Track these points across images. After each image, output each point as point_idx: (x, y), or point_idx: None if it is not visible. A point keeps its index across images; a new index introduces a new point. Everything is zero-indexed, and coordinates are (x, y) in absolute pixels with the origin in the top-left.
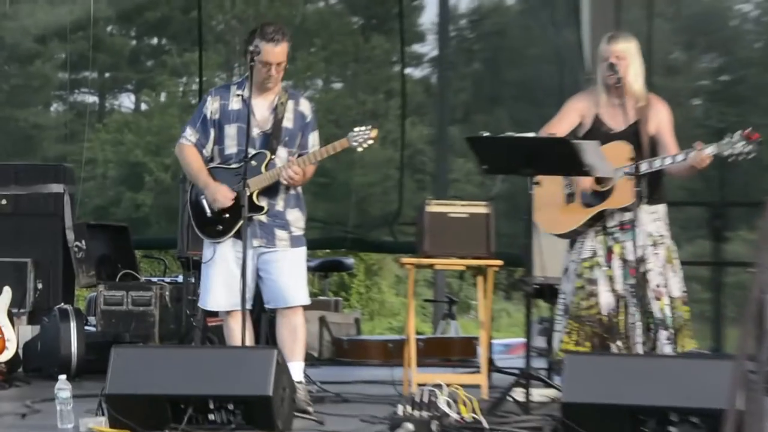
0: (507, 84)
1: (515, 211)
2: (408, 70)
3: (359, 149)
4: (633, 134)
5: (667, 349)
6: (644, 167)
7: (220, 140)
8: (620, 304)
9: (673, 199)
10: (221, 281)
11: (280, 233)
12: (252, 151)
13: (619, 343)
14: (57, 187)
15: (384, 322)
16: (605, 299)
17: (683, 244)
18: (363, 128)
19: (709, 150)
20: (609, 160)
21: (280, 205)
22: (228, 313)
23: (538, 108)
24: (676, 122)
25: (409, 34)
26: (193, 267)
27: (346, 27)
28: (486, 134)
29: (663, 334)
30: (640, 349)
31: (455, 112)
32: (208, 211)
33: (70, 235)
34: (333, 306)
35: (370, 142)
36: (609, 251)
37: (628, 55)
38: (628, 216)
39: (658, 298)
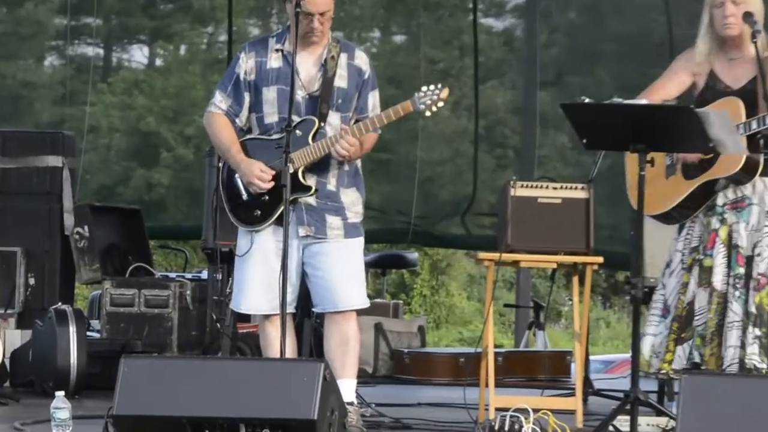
0: (610, 38)
1: (619, 196)
2: (485, 20)
3: (427, 113)
4: (751, 92)
5: (753, 352)
6: (754, 125)
7: (256, 106)
8: (713, 300)
9: None
10: (259, 278)
11: (332, 220)
12: (296, 119)
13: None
14: (53, 160)
15: (453, 332)
16: (691, 294)
17: None
18: (431, 87)
19: None
20: None
21: (332, 184)
22: (266, 317)
23: (648, 67)
24: None
25: None
26: (222, 260)
27: None
28: (586, 100)
29: (753, 332)
30: (732, 356)
31: (545, 73)
32: (243, 192)
33: (70, 220)
34: (391, 311)
35: (441, 104)
36: (712, 234)
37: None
38: (743, 191)
39: (757, 289)
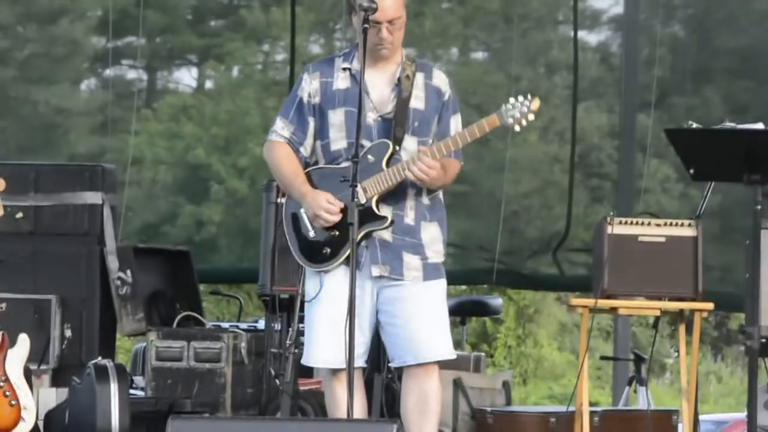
0: (721, 54)
1: (730, 233)
2: (580, 34)
3: (516, 128)
4: None
5: None
6: None
7: (322, 132)
8: None
9: None
10: (327, 327)
11: (410, 259)
12: (367, 144)
13: None
14: (92, 197)
15: (543, 387)
16: None
17: None
18: (520, 98)
19: None
20: None
21: (410, 217)
22: (333, 372)
23: (766, 86)
24: None
25: None
26: (281, 308)
27: None
28: (693, 125)
29: None
30: None
31: (647, 94)
32: (310, 229)
33: (112, 263)
34: (472, 364)
35: (531, 117)
36: None
37: None
38: None
39: None
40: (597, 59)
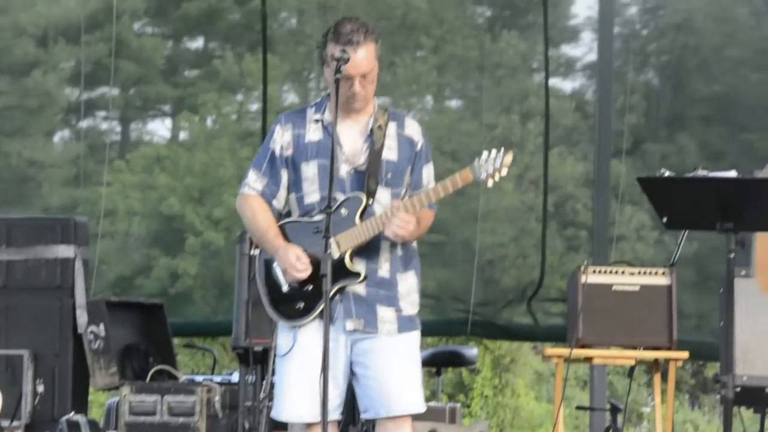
0: (695, 101)
1: (707, 281)
2: (554, 81)
3: (489, 182)
4: None
5: None
6: None
7: (296, 185)
8: None
9: None
10: (301, 381)
11: (384, 312)
12: (340, 197)
13: None
14: (64, 250)
15: None
16: None
17: None
18: (493, 152)
19: None
20: None
21: (384, 269)
22: (308, 426)
23: (740, 133)
24: None
25: (556, 29)
26: (255, 361)
27: (468, 20)
28: (666, 173)
29: None
30: None
31: (621, 141)
32: (283, 283)
33: (83, 317)
34: (448, 415)
35: (505, 171)
36: None
37: None
38: None
39: None
40: (572, 107)
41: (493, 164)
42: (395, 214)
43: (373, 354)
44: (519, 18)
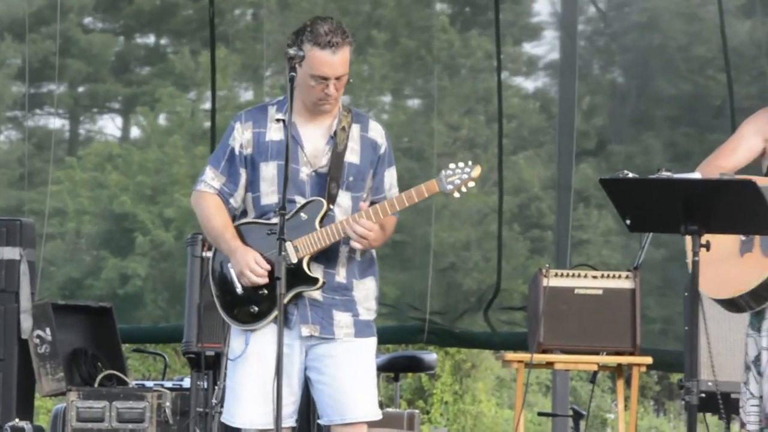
0: (661, 101)
1: (672, 284)
2: (517, 81)
3: (455, 194)
4: None
5: None
6: None
7: (254, 185)
8: None
9: None
10: (254, 386)
11: (340, 317)
12: (301, 200)
13: None
14: (9, 252)
15: None
16: None
17: None
18: (461, 164)
19: None
20: None
21: (341, 275)
22: None
23: (706, 133)
24: None
25: (518, 27)
26: (207, 366)
27: (429, 17)
28: (629, 174)
29: None
30: None
31: (585, 141)
32: (238, 286)
33: (27, 322)
34: (406, 422)
35: (471, 184)
36: None
37: None
38: None
39: None
40: (537, 107)
41: (461, 176)
42: (358, 221)
43: (328, 359)
44: (482, 15)
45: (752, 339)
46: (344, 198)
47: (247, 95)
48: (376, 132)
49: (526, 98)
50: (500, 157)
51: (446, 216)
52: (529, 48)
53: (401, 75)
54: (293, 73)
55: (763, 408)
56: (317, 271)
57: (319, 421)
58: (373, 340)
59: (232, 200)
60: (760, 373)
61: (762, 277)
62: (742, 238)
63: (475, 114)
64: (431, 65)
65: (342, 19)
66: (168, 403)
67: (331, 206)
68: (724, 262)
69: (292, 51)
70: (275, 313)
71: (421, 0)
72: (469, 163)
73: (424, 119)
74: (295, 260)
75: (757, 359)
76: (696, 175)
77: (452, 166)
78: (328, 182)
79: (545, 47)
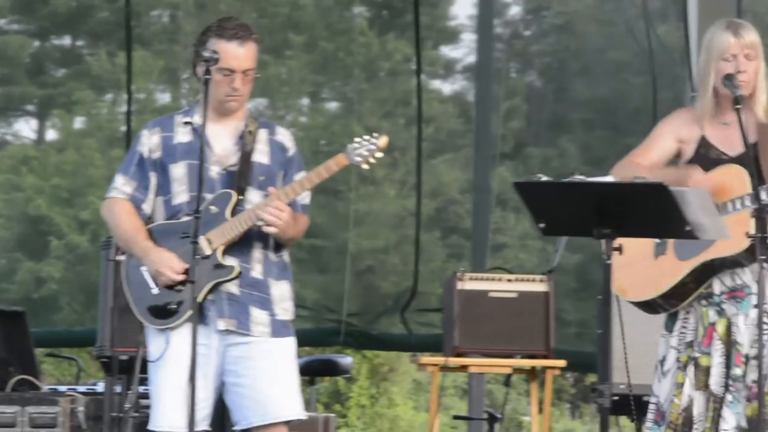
0: (577, 104)
1: (587, 287)
2: (435, 84)
3: (364, 166)
4: (752, 160)
5: None
6: (764, 196)
7: (164, 187)
8: (710, 406)
9: None
10: (174, 388)
11: (257, 314)
12: (209, 196)
13: None
14: None
15: None
16: (687, 398)
17: None
18: (366, 137)
19: None
20: (718, 190)
21: (257, 270)
22: None
23: (622, 137)
24: None
25: (436, 30)
26: (120, 370)
27: (347, 20)
28: (542, 178)
29: None
30: None
31: (503, 144)
32: (153, 286)
33: None
34: (321, 426)
35: (379, 155)
36: (709, 329)
37: (758, 53)
38: (742, 278)
39: (749, 399)
40: (456, 111)
41: (368, 147)
42: (268, 203)
43: (247, 361)
44: (397, 19)
45: (664, 339)
46: (255, 196)
47: (165, 98)
48: (284, 136)
49: (444, 101)
50: (419, 160)
51: (364, 220)
52: (447, 51)
53: (320, 78)
54: (208, 76)
55: (659, 405)
56: (232, 262)
57: (234, 428)
58: (291, 340)
59: (144, 206)
60: (663, 372)
61: (675, 280)
62: (657, 240)
63: (393, 117)
64: (350, 68)
65: (260, 21)
66: (81, 408)
67: (241, 198)
68: (639, 265)
69: (207, 53)
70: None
71: (339, 3)
72: (375, 134)
73: (342, 122)
74: (209, 252)
75: (664, 359)
76: (608, 178)
77: (358, 139)
78: (236, 179)
79: (463, 50)
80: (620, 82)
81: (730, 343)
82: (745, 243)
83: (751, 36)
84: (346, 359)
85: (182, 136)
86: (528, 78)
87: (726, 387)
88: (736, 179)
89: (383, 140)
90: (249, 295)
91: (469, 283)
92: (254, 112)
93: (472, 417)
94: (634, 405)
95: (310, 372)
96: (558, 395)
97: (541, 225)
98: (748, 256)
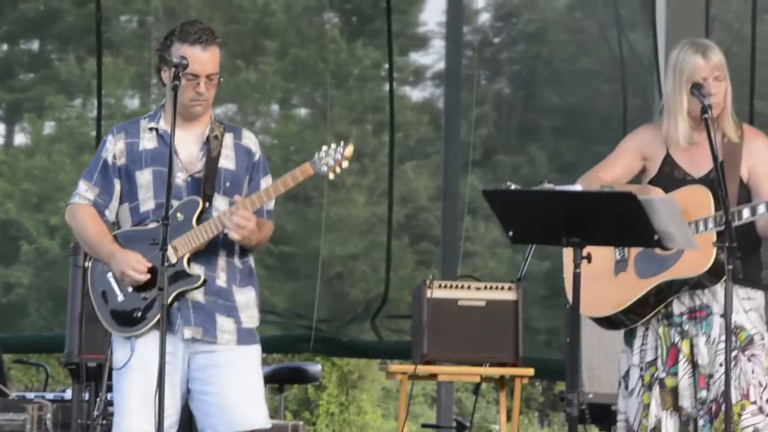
0: (547, 111)
1: (557, 296)
2: (405, 90)
3: (331, 175)
4: (719, 178)
5: None
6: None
7: (130, 195)
8: (686, 428)
9: None
10: (140, 395)
11: (223, 321)
12: (175, 203)
13: None
14: None
15: None
16: (654, 419)
17: None
18: (333, 145)
19: None
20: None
21: (222, 279)
22: None
23: (591, 145)
24: None
25: (406, 37)
26: (88, 377)
27: (318, 27)
28: (511, 186)
29: None
30: None
31: (472, 152)
32: (119, 293)
33: None
34: None
35: (346, 164)
36: (672, 349)
37: (726, 74)
38: (701, 299)
39: (715, 416)
40: (426, 118)
41: (334, 157)
42: (234, 212)
43: (212, 369)
44: (366, 25)
45: (625, 355)
46: (221, 202)
47: (134, 103)
48: (250, 140)
49: (413, 108)
50: (391, 167)
51: (334, 226)
52: (416, 58)
53: (290, 84)
54: (177, 82)
55: (629, 424)
56: (197, 269)
57: None
58: (257, 348)
59: (107, 212)
60: (628, 389)
61: (635, 297)
62: (617, 257)
63: (363, 123)
64: (320, 74)
65: (230, 27)
66: (49, 415)
67: (207, 205)
68: (599, 281)
69: (176, 59)
70: (157, 317)
71: (309, 9)
72: (341, 143)
73: (313, 129)
74: (174, 260)
75: (627, 375)
76: (577, 187)
77: (325, 148)
78: (203, 185)
79: (432, 57)
80: (590, 89)
81: (693, 365)
82: (707, 264)
83: (718, 56)
84: (315, 367)
85: (148, 142)
86: (498, 85)
87: (696, 408)
88: (699, 201)
89: (349, 149)
90: (214, 302)
91: (438, 291)
92: (220, 118)
93: (441, 425)
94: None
95: (279, 379)
96: (527, 403)
97: (510, 233)
98: (710, 277)
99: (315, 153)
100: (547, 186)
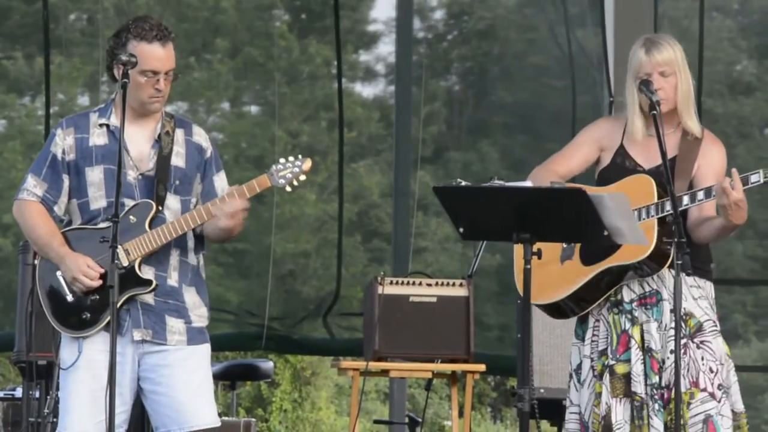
0: (497, 108)
1: (508, 292)
2: (356, 87)
3: (288, 188)
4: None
5: None
6: (667, 207)
7: (79, 191)
8: (640, 413)
9: (739, 276)
10: (86, 395)
11: (173, 322)
12: (129, 203)
13: None
14: None
15: None
16: (605, 406)
17: (751, 338)
18: (291, 158)
19: (754, 178)
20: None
21: (173, 278)
22: None
23: (542, 142)
24: (740, 159)
25: (356, 34)
26: (38, 375)
27: (269, 24)
28: (461, 183)
29: None
30: None
31: (423, 149)
32: (68, 293)
33: None
34: (243, 430)
35: (303, 178)
36: (623, 336)
37: (676, 69)
38: (651, 285)
39: (666, 404)
40: (377, 115)
41: (292, 170)
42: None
43: (163, 368)
44: (317, 22)
45: (576, 348)
46: (173, 201)
47: (84, 100)
48: (201, 137)
49: (364, 105)
50: (341, 164)
51: (286, 224)
52: (367, 55)
53: (241, 82)
54: (126, 80)
55: (581, 416)
56: (149, 274)
57: None
58: (206, 347)
59: (56, 208)
60: (580, 381)
61: (581, 282)
62: (564, 245)
63: (314, 121)
64: (271, 72)
65: (180, 25)
66: None
67: (161, 208)
68: (546, 269)
69: (124, 57)
70: (107, 319)
71: (260, 7)
72: (299, 156)
73: (264, 126)
74: (126, 263)
75: (579, 367)
76: (527, 183)
77: (282, 160)
78: (155, 185)
79: (383, 54)
80: (540, 86)
81: (644, 350)
82: (648, 250)
83: (665, 53)
84: (267, 363)
85: (98, 138)
86: (448, 82)
87: (648, 394)
88: (642, 189)
89: (307, 164)
90: (164, 303)
91: (389, 288)
92: (170, 112)
93: (393, 421)
94: (552, 409)
95: (231, 376)
96: (479, 399)
97: (461, 230)
98: (652, 263)
99: (273, 165)
100: (498, 182)
